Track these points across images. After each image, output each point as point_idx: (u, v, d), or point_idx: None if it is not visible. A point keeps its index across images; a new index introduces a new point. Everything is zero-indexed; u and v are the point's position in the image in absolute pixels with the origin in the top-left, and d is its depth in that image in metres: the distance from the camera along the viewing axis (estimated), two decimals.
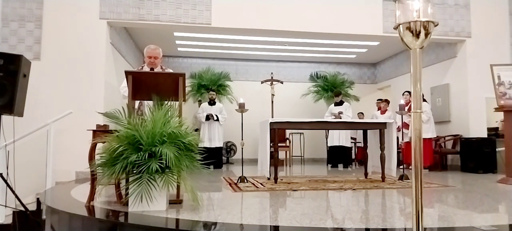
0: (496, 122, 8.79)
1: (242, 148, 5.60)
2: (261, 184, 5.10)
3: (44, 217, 4.23)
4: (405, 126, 7.40)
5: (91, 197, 3.52)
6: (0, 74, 4.41)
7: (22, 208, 4.51)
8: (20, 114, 4.73)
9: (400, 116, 6.28)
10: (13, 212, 4.47)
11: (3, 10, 6.34)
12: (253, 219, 2.97)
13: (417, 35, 1.57)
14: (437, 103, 8.39)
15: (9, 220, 4.53)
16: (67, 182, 5.76)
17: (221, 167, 8.61)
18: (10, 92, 4.41)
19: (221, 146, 8.71)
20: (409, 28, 1.58)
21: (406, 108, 6.59)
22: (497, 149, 7.05)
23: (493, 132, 8.34)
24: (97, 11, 6.62)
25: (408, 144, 7.15)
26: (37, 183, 5.52)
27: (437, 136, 7.78)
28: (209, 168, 7.59)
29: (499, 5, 7.75)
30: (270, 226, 2.79)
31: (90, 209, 3.37)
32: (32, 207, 4.59)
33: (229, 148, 10.25)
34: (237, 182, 5.28)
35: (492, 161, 6.99)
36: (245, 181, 5.30)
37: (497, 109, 5.80)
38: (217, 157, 8.33)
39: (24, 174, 4.85)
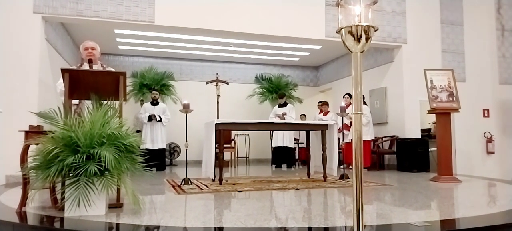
0: (429, 123, 9.53)
1: (186, 150, 5.51)
2: (205, 185, 5.06)
3: None
4: (346, 127, 7.74)
5: (23, 202, 3.28)
6: None
7: None
8: None
9: (341, 117, 6.55)
10: None
11: None
12: (197, 221, 2.94)
13: (359, 39, 1.65)
14: (375, 106, 8.87)
15: None
16: None
17: (164, 169, 8.40)
18: None
19: (164, 147, 8.50)
20: (351, 32, 1.65)
21: (347, 110, 6.89)
22: (429, 149, 7.58)
23: (426, 133, 9.01)
24: (30, 5, 6.16)
25: (349, 144, 7.47)
26: None
27: (375, 137, 8.21)
28: (152, 170, 7.35)
29: (432, 13, 8.38)
30: (215, 228, 2.77)
31: (22, 215, 3.13)
32: None
33: (173, 150, 10.04)
34: (181, 184, 5.19)
35: (425, 160, 7.47)
36: (189, 183, 5.22)
37: (429, 112, 6.23)
38: (160, 159, 8.11)
39: None
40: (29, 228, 2.89)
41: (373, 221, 2.96)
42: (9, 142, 4.11)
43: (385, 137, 8.38)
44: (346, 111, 6.63)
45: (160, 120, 8.23)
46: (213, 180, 5.42)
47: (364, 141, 7.36)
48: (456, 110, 6.11)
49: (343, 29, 1.66)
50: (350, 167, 6.99)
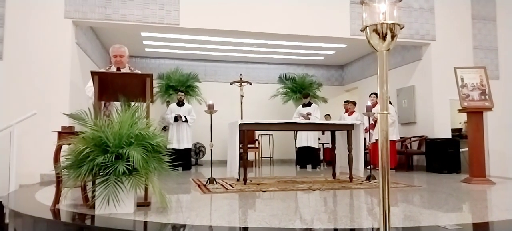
0: (460, 123, 9.21)
1: (211, 149, 5.57)
2: (230, 185, 5.09)
3: (7, 221, 4.04)
4: (372, 126, 7.61)
5: (57, 200, 3.40)
6: None
7: None
8: None
9: (367, 117, 6.45)
10: None
11: None
12: (222, 220, 2.96)
13: (384, 37, 1.62)
14: (403, 105, 8.68)
15: None
16: (32, 185, 5.53)
17: (189, 168, 8.52)
18: None
19: (190, 147, 8.62)
20: (375, 31, 1.62)
21: (373, 109, 6.78)
22: (461, 150, 7.35)
23: (457, 133, 8.73)
24: (62, 10, 6.39)
25: (375, 144, 7.35)
26: (0, 186, 5.27)
27: (403, 137, 8.03)
28: (178, 170, 7.48)
29: (462, 9, 8.11)
30: (239, 227, 2.79)
31: (55, 212, 3.25)
32: None
33: (198, 150, 10.16)
34: (206, 183, 5.25)
35: (456, 161, 7.26)
36: (214, 182, 5.27)
37: (460, 111, 6.03)
38: (185, 159, 8.23)
39: None
40: (62, 225, 2.99)
41: (401, 223, 2.90)
42: (43, 142, 4.28)
43: (414, 137, 8.18)
44: (372, 111, 6.51)
45: (186, 120, 8.35)
46: (238, 180, 5.46)
47: (389, 141, 7.24)
48: (489, 109, 5.88)
49: (368, 28, 1.64)
50: (377, 168, 6.88)
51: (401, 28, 1.63)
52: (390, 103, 7.98)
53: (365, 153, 7.06)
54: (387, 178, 1.65)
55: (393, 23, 1.61)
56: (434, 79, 7.92)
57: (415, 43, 8.12)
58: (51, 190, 3.78)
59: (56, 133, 3.49)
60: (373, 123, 7.52)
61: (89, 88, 4.17)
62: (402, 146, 8.03)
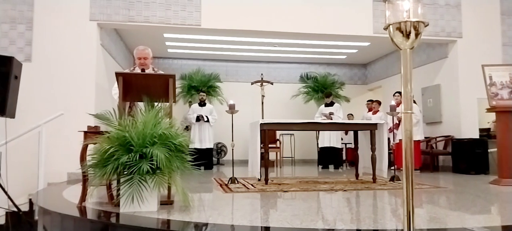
0: (488, 122, 8.91)
1: (232, 149, 5.60)
2: (251, 185, 5.10)
3: (36, 217, 4.20)
4: (396, 126, 7.47)
5: (83, 198, 3.50)
6: None
7: (15, 209, 4.47)
8: (12, 115, 4.68)
9: (391, 116, 6.33)
10: (6, 212, 4.43)
11: None
12: (244, 220, 2.97)
13: (408, 35, 1.59)
14: (428, 104, 8.48)
15: (2, 221, 4.49)
16: (59, 183, 5.72)
17: (211, 168, 8.59)
18: (2, 94, 4.38)
19: (212, 147, 8.70)
20: (399, 29, 1.59)
21: (397, 109, 6.65)
22: (489, 150, 7.11)
23: (485, 133, 8.45)
24: (87, 13, 6.57)
25: (400, 144, 7.21)
26: (29, 184, 5.46)
27: (428, 137, 7.85)
28: (200, 169, 7.53)
29: (491, 5, 7.85)
30: (261, 227, 2.79)
31: (82, 210, 3.34)
32: (24, 207, 4.55)
33: (220, 149, 10.23)
34: (228, 183, 5.28)
35: (484, 162, 7.03)
36: (236, 182, 5.29)
37: (489, 110, 5.84)
38: (207, 158, 8.30)
39: (16, 175, 4.81)
40: (88, 222, 3.07)
41: (426, 225, 2.83)
42: (70, 141, 4.41)
43: (439, 137, 7.98)
44: (396, 110, 6.39)
45: (208, 120, 8.43)
46: (259, 180, 5.46)
47: (414, 141, 7.08)
48: None
49: (391, 26, 1.61)
50: (401, 168, 6.74)
51: (426, 26, 1.59)
52: (414, 102, 7.81)
53: (389, 153, 6.94)
54: (411, 179, 1.61)
55: (417, 21, 1.57)
56: (460, 78, 7.70)
57: (441, 41, 7.91)
58: (78, 188, 3.88)
59: (82, 133, 3.58)
60: (398, 122, 7.38)
61: (116, 92, 4.27)
62: (427, 146, 7.84)
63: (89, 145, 3.47)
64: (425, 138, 7.90)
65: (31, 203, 4.59)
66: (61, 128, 5.79)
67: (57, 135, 5.82)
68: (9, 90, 4.44)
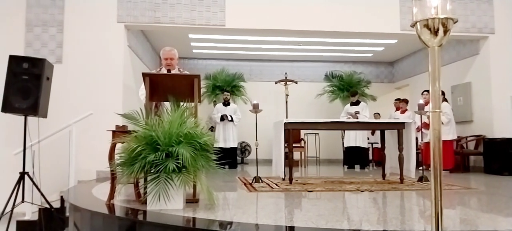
0: None
1: (256, 148, 5.61)
2: (276, 184, 5.10)
3: (67, 214, 4.35)
4: (425, 126, 7.27)
5: (111, 195, 3.59)
6: (25, 77, 4.56)
7: (47, 206, 4.65)
8: (44, 115, 4.88)
9: (419, 115, 6.17)
10: (39, 209, 4.62)
11: (27, 16, 6.52)
12: (269, 219, 2.97)
13: (436, 32, 1.54)
14: (458, 103, 8.22)
15: (35, 217, 4.69)
16: (89, 181, 5.89)
17: (236, 167, 8.64)
18: (35, 94, 4.57)
19: (236, 146, 8.74)
20: (427, 26, 1.55)
21: (426, 108, 6.48)
22: None
23: None
24: (115, 15, 6.74)
25: (428, 144, 7.02)
26: (60, 182, 5.66)
27: (458, 137, 7.61)
28: (224, 168, 7.60)
29: None
30: (286, 226, 2.78)
31: (110, 207, 3.43)
32: (56, 204, 4.73)
33: (244, 148, 10.28)
34: (252, 182, 5.29)
35: None
36: (260, 181, 5.30)
37: None
38: (232, 157, 8.36)
39: (48, 173, 5.01)
40: (116, 219, 3.15)
41: (457, 226, 2.75)
42: (99, 140, 4.53)
43: (470, 136, 7.72)
44: (425, 109, 6.22)
45: (232, 120, 8.48)
46: (283, 179, 5.45)
47: (445, 141, 6.87)
48: None
49: (418, 23, 1.57)
50: (430, 168, 6.56)
51: (455, 23, 1.55)
52: (446, 100, 7.58)
53: (417, 153, 6.77)
54: (439, 179, 1.57)
55: (446, 18, 1.53)
56: (493, 75, 7.42)
57: (472, 37, 7.65)
58: (106, 186, 3.99)
59: (111, 132, 3.68)
60: (427, 122, 7.19)
61: (142, 93, 4.37)
62: (457, 146, 7.60)
63: (117, 144, 3.56)
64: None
65: (62, 200, 4.76)
66: (91, 127, 5.96)
67: (87, 134, 5.99)
68: (41, 91, 4.62)
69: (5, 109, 4.57)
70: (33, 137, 4.77)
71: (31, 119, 4.72)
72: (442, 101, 7.26)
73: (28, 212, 4.82)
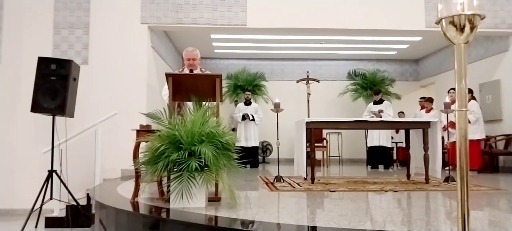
0: None
1: (278, 148, 5.60)
2: (297, 184, 5.07)
3: (93, 211, 4.46)
4: (452, 125, 7.08)
5: (136, 193, 3.66)
6: (53, 78, 4.71)
7: (74, 203, 4.80)
8: (71, 115, 5.03)
9: (446, 114, 6.01)
10: (66, 206, 4.77)
11: (54, 18, 6.74)
12: (290, 218, 2.96)
13: (462, 29, 1.50)
14: (487, 101, 7.97)
15: (63, 213, 4.84)
16: (114, 179, 6.03)
17: (257, 166, 8.65)
18: (62, 95, 4.72)
19: (257, 145, 8.75)
20: (452, 23, 1.51)
21: (452, 106, 6.31)
22: None
23: None
24: (138, 16, 6.87)
25: (455, 144, 6.83)
26: (87, 180, 5.82)
27: (487, 136, 7.38)
28: (246, 167, 7.65)
29: None
30: (308, 226, 2.77)
31: (135, 205, 3.50)
32: (82, 202, 4.87)
33: (265, 148, 10.28)
34: (274, 181, 5.29)
35: None
36: (282, 180, 5.29)
37: None
38: (253, 156, 8.37)
39: (75, 171, 5.16)
40: (140, 217, 3.21)
41: (485, 228, 2.66)
42: (124, 140, 4.63)
43: (499, 135, 7.46)
44: (451, 108, 6.06)
45: (253, 119, 8.50)
46: (305, 179, 5.42)
47: (472, 140, 6.67)
48: None
49: (443, 20, 1.53)
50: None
51: (482, 19, 1.50)
52: (474, 99, 7.36)
53: (443, 153, 6.60)
54: (465, 179, 1.53)
55: (472, 14, 1.48)
56: None
57: (501, 33, 7.39)
58: (131, 184, 4.08)
59: (135, 131, 3.75)
60: (454, 120, 6.99)
61: (165, 93, 4.43)
62: (485, 146, 7.37)
63: (141, 143, 3.63)
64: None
65: (88, 198, 4.89)
66: (115, 127, 6.09)
67: (112, 133, 6.14)
68: (68, 92, 4.77)
69: (35, 109, 4.74)
70: (60, 136, 4.92)
71: (58, 119, 4.89)
72: (470, 99, 7.06)
73: (56, 209, 4.98)
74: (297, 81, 9.88)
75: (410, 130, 5.81)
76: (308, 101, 9.61)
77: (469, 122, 5.67)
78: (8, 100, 6.50)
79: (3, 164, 6.36)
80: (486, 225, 2.79)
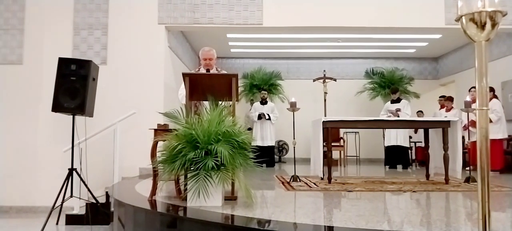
0: None
1: (294, 147, 5.58)
2: (314, 183, 5.05)
3: (112, 209, 4.54)
4: (472, 124, 6.92)
5: (153, 191, 3.71)
6: (72, 78, 4.82)
7: (94, 201, 4.90)
8: (91, 114, 5.13)
9: (466, 113, 5.88)
10: (86, 203, 4.87)
11: (74, 20, 6.88)
12: (307, 218, 2.95)
13: (482, 26, 1.46)
14: (509, 100, 7.76)
15: (83, 211, 4.94)
16: (132, 177, 6.11)
17: (273, 165, 8.64)
18: (82, 94, 4.82)
19: (273, 144, 8.74)
20: (473, 20, 1.47)
21: (473, 105, 6.16)
22: None
23: None
24: (155, 17, 6.95)
25: (476, 143, 6.67)
26: (106, 178, 5.93)
27: (509, 136, 7.17)
28: (262, 166, 7.62)
29: None
30: (324, 226, 2.75)
31: (152, 203, 3.54)
32: (102, 199, 4.96)
33: (281, 147, 10.26)
34: (290, 181, 5.27)
35: None
36: (298, 180, 5.27)
37: None
38: (269, 156, 8.37)
39: (94, 169, 5.26)
40: (158, 215, 3.25)
41: (507, 230, 2.60)
42: (142, 139, 4.69)
43: None
44: (472, 107, 5.92)
45: (269, 118, 8.49)
46: (322, 178, 5.38)
47: (494, 140, 6.51)
48: None
49: (463, 17, 1.49)
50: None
51: (504, 16, 1.45)
52: (496, 97, 7.17)
53: (464, 153, 6.46)
54: (486, 180, 1.50)
55: (493, 11, 1.44)
56: None
57: None
58: (149, 182, 4.13)
59: (153, 131, 3.80)
60: (475, 119, 6.83)
61: (182, 96, 4.48)
62: (508, 145, 7.17)
63: (159, 142, 3.67)
64: (508, 136, 7.23)
65: (107, 196, 4.98)
66: (134, 126, 6.19)
67: (130, 133, 6.23)
68: (88, 92, 4.87)
69: (55, 109, 4.85)
70: (80, 135, 5.02)
71: (78, 118, 4.99)
72: (492, 98, 6.88)
73: (76, 206, 5.10)
74: (314, 80, 9.82)
75: (430, 129, 5.71)
76: (325, 100, 9.54)
77: (491, 121, 5.53)
78: (30, 100, 6.68)
79: (25, 163, 6.54)
80: (508, 227, 2.72)
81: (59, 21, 6.85)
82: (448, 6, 6.94)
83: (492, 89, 7.05)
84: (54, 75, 4.92)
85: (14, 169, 6.48)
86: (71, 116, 4.93)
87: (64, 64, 4.91)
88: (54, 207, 4.67)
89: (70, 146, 4.95)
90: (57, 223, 5.04)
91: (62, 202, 4.74)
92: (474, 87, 6.27)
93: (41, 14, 6.85)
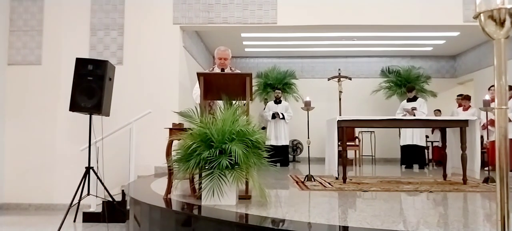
0: None
1: (308, 146, 5.55)
2: (328, 183, 5.02)
3: (128, 207, 4.60)
4: (491, 123, 6.76)
5: (168, 190, 3.75)
6: (89, 78, 4.91)
7: (110, 199, 4.98)
8: (107, 114, 5.22)
9: (485, 112, 5.76)
10: (103, 201, 4.96)
11: (91, 20, 7.00)
12: (321, 218, 2.93)
13: (502, 24, 1.43)
14: None
15: (100, 209, 5.03)
16: (147, 176, 6.19)
17: (287, 165, 8.62)
18: (99, 94, 4.91)
19: (288, 144, 8.72)
20: (491, 17, 1.44)
21: (492, 104, 6.02)
22: None
23: None
24: (170, 17, 7.01)
25: (495, 143, 6.52)
26: (122, 176, 6.02)
27: None
28: (276, 166, 7.64)
29: None
30: (339, 226, 2.73)
31: (168, 202, 3.58)
32: (118, 198, 5.05)
33: (296, 146, 10.23)
34: (304, 180, 5.25)
35: None
36: (312, 179, 5.24)
37: None
38: (283, 155, 8.35)
39: (111, 168, 5.35)
40: (173, 213, 3.29)
41: None
42: (157, 138, 4.74)
43: None
44: (491, 106, 5.79)
45: (283, 118, 8.48)
46: (337, 178, 5.35)
47: None
48: None
49: (481, 14, 1.46)
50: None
51: None
52: None
53: (483, 153, 6.32)
54: (505, 180, 1.46)
55: None
56: None
57: None
58: (164, 181, 4.18)
59: (168, 130, 3.84)
60: (494, 119, 6.67)
61: (196, 96, 4.51)
62: None
63: (174, 141, 3.71)
64: None
65: (123, 194, 5.06)
66: (149, 125, 6.26)
67: (146, 132, 6.31)
68: (105, 91, 4.95)
69: (73, 108, 4.95)
70: (97, 134, 5.11)
71: (95, 117, 5.08)
72: (511, 97, 6.71)
73: (93, 204, 5.19)
74: (329, 79, 9.75)
75: (447, 129, 5.61)
76: (340, 99, 9.47)
77: (510, 120, 5.40)
78: (49, 100, 6.82)
79: (44, 161, 6.69)
80: None
81: (77, 22, 6.98)
82: (466, 3, 6.80)
83: (511, 88, 6.88)
84: (72, 75, 5.02)
85: (33, 167, 6.65)
86: (88, 115, 5.02)
87: (81, 64, 5.00)
88: (72, 205, 4.77)
89: (87, 144, 5.04)
90: (74, 221, 5.15)
91: (80, 200, 4.83)
92: (493, 85, 6.15)
93: (59, 15, 6.99)
